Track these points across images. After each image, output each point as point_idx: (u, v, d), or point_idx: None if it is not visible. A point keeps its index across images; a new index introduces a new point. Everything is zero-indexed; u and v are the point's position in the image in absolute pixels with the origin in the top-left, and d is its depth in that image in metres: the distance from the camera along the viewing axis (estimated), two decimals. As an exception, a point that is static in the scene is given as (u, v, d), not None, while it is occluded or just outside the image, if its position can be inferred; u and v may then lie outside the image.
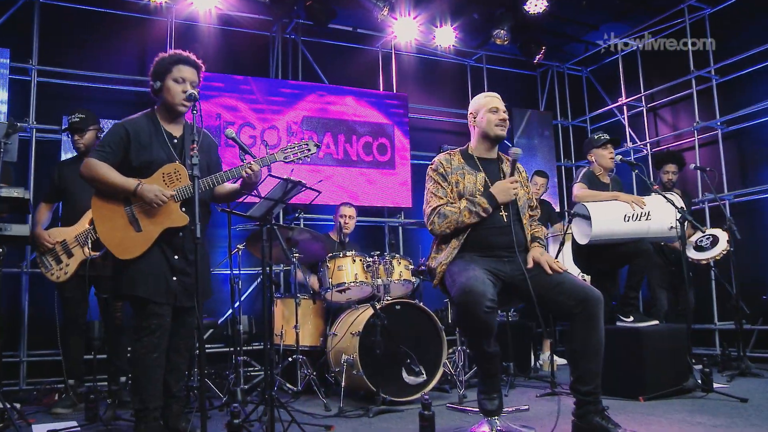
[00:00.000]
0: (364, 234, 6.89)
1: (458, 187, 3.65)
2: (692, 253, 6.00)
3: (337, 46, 8.34)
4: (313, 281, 6.16)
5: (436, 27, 8.17)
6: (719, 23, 7.55)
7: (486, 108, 3.78)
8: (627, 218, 5.10)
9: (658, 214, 5.14)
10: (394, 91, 8.45)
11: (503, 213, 3.65)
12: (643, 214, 5.13)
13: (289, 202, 3.84)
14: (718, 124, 7.45)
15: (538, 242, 3.76)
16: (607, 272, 5.64)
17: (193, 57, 3.65)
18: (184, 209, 3.49)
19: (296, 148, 3.76)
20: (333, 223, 6.67)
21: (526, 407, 4.59)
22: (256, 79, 7.45)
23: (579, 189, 5.37)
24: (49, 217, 5.16)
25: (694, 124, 7.59)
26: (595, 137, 5.59)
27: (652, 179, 6.01)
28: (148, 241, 3.43)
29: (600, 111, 9.31)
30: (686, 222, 4.90)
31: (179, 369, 3.67)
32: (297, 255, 5.44)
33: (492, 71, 9.26)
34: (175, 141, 3.62)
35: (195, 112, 3.35)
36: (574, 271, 5.94)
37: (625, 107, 8.76)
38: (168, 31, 7.25)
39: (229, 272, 5.57)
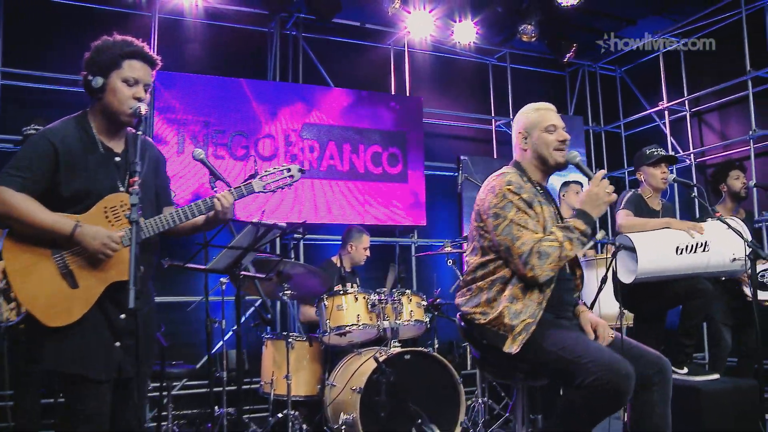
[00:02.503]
0: (373, 255, 6.16)
1: (542, 221, 2.92)
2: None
3: (343, 44, 7.59)
4: (304, 311, 5.50)
5: (455, 22, 7.39)
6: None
7: (540, 126, 3.05)
8: (680, 251, 4.33)
9: (718, 245, 4.38)
10: (407, 94, 7.69)
11: None
12: (699, 245, 4.36)
13: (262, 250, 3.06)
14: (777, 132, 6.63)
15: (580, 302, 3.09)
16: (654, 312, 4.89)
17: (148, 50, 2.82)
18: None
19: (276, 173, 3.07)
20: (339, 243, 6.01)
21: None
22: (250, 82, 6.71)
23: (624, 217, 4.59)
24: None
25: (750, 132, 6.75)
26: (647, 152, 4.79)
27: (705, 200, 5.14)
28: (87, 301, 2.62)
29: (636, 116, 8.48)
30: (757, 258, 4.10)
31: None
32: (289, 292, 4.73)
33: (516, 71, 8.47)
34: (118, 160, 2.79)
35: (141, 132, 2.62)
36: (614, 307, 5.20)
37: (666, 112, 7.92)
38: (152, 27, 6.53)
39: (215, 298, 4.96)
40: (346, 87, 7.29)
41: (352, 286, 5.45)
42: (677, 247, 4.35)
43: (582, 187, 6.77)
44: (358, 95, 7.23)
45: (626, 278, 4.49)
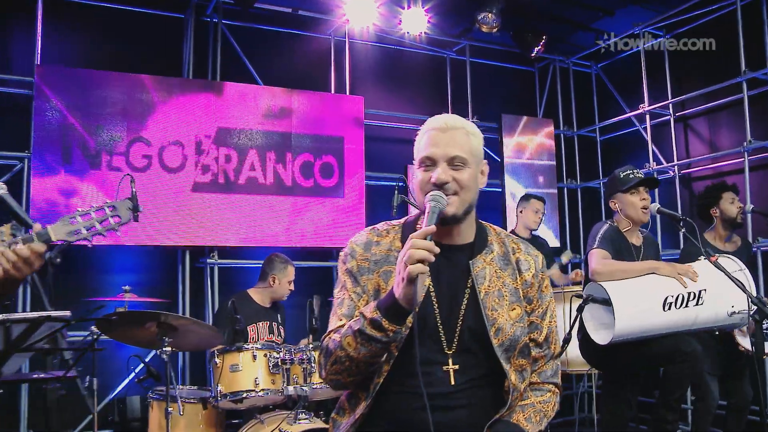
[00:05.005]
0: (303, 280, 5.32)
1: (377, 298, 2.02)
2: (746, 342, 4.39)
3: (273, 34, 6.68)
4: None
5: (403, 9, 6.50)
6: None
7: (417, 157, 2.11)
8: (669, 305, 3.54)
9: (714, 294, 3.59)
10: (347, 93, 6.79)
11: (445, 345, 2.05)
12: (693, 296, 3.57)
13: (43, 346, 2.18)
14: (776, 143, 5.84)
15: None
16: (626, 373, 4.11)
17: None
18: None
19: (91, 215, 2.27)
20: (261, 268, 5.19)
21: None
22: (154, 78, 5.77)
23: (600, 260, 3.74)
24: None
25: (745, 143, 5.96)
26: (621, 175, 3.98)
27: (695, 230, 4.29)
28: None
29: (614, 119, 7.69)
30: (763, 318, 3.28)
31: None
32: (169, 348, 3.84)
33: (477, 66, 7.63)
34: None
35: None
36: (577, 360, 4.44)
37: (647, 116, 7.13)
38: (36, 10, 5.57)
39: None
40: (276, 84, 6.38)
41: (273, 330, 4.73)
42: (665, 300, 3.56)
43: (543, 203, 6.00)
44: (287, 94, 6.32)
45: (599, 337, 3.69)
